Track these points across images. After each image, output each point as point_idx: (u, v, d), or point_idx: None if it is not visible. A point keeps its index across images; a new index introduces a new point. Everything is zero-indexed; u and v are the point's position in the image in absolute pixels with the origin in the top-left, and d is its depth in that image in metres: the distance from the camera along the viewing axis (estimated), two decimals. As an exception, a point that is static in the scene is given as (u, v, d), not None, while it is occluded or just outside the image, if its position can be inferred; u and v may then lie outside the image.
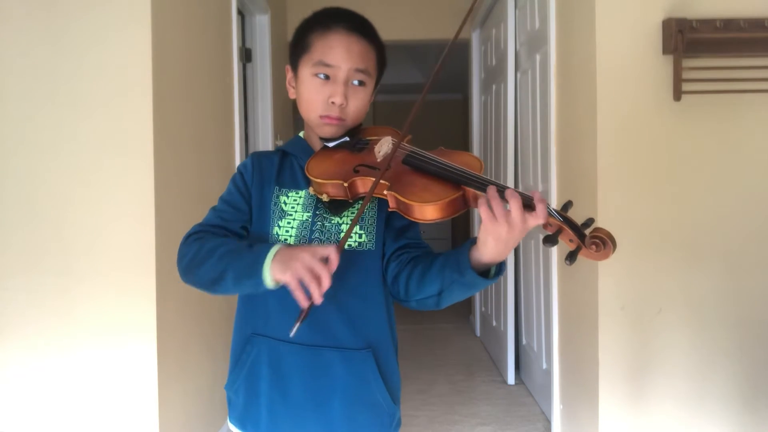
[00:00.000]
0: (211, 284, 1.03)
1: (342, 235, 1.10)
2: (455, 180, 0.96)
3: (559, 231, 0.90)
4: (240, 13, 3.16)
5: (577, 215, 0.93)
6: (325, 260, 0.92)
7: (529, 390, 3.23)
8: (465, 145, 4.76)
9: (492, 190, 0.90)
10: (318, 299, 0.91)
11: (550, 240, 0.89)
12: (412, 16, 4.32)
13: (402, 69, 6.79)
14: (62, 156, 1.85)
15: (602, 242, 0.88)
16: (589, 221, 0.91)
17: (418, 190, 0.97)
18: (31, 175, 1.86)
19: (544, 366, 2.90)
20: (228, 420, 1.18)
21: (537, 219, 0.88)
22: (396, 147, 1.02)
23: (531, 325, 3.19)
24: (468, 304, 4.83)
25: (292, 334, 0.92)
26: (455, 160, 1.00)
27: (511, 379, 3.37)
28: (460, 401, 3.12)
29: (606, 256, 0.89)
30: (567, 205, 0.93)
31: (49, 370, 1.87)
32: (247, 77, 3.39)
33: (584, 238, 0.89)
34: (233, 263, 1.00)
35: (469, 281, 0.97)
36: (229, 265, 1.00)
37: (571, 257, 0.89)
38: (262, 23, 3.47)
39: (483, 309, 4.26)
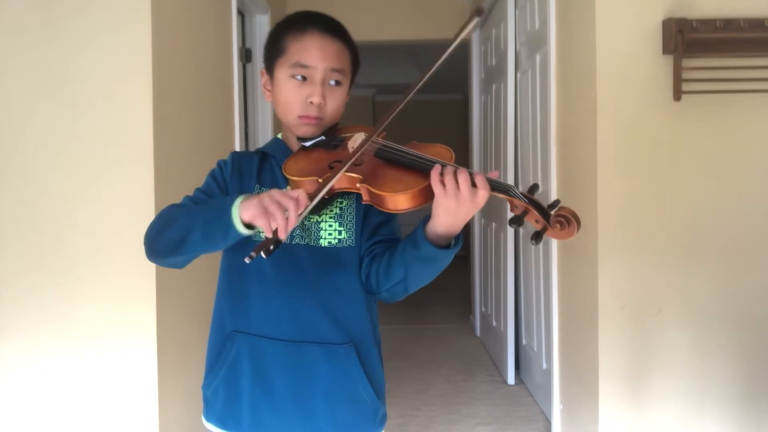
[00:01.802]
0: (178, 245, 1.01)
1: (321, 232, 1.12)
2: (426, 169, 0.99)
3: (525, 212, 0.94)
4: (240, 13, 3.16)
5: (548, 205, 0.95)
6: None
7: (529, 390, 3.23)
8: (465, 145, 4.75)
9: (449, 168, 0.94)
10: (283, 229, 0.88)
11: (516, 221, 0.94)
12: (412, 16, 4.31)
13: (402, 69, 6.79)
14: (62, 156, 1.85)
15: (566, 220, 0.93)
16: (555, 203, 0.95)
17: (389, 181, 0.99)
18: (31, 176, 1.86)
19: (544, 366, 2.90)
20: (203, 419, 1.17)
21: (482, 192, 0.92)
22: (367, 139, 1.03)
23: (531, 325, 3.19)
24: (468, 304, 4.83)
25: (247, 259, 0.90)
26: (426, 152, 1.03)
27: (511, 379, 3.37)
28: (460, 401, 3.11)
29: (571, 234, 0.93)
30: (533, 188, 0.96)
31: (50, 370, 1.87)
32: (247, 77, 3.39)
33: (549, 217, 0.93)
34: (200, 215, 0.99)
35: (425, 254, 1.00)
36: (197, 218, 0.99)
37: (537, 237, 0.94)
38: (262, 23, 3.47)
39: (483, 309, 4.26)
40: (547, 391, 2.79)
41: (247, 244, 1.06)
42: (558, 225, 0.93)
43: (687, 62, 2.05)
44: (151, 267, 1.85)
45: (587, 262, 2.24)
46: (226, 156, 1.23)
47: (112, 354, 1.87)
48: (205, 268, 2.31)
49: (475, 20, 0.98)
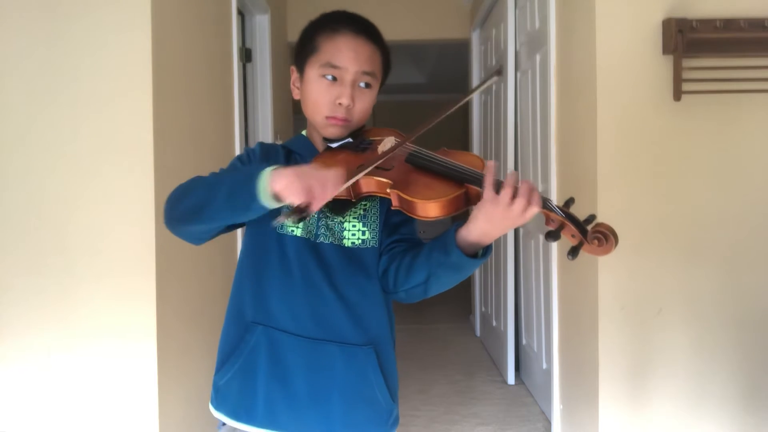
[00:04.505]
0: (198, 211, 0.97)
1: (345, 233, 1.11)
2: (458, 178, 0.97)
3: (561, 226, 0.92)
4: (240, 13, 3.16)
5: (577, 215, 0.93)
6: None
7: (529, 390, 3.23)
8: (465, 145, 4.76)
9: (513, 174, 0.92)
10: (316, 205, 0.87)
11: (553, 235, 0.91)
12: (412, 16, 4.31)
13: (402, 69, 6.79)
14: (63, 156, 1.85)
15: (604, 237, 0.90)
16: (591, 217, 0.93)
17: (420, 188, 0.98)
18: (32, 176, 1.86)
19: (544, 366, 2.90)
20: (211, 408, 1.16)
21: (531, 210, 0.90)
22: (399, 144, 1.02)
23: (531, 325, 3.19)
24: (468, 304, 4.83)
25: (275, 222, 0.91)
26: (458, 160, 1.01)
27: (511, 379, 3.37)
28: (460, 401, 3.11)
29: (608, 251, 0.90)
30: (569, 202, 0.94)
31: (50, 370, 1.87)
32: (247, 77, 3.39)
33: (586, 233, 0.90)
34: (227, 180, 0.97)
35: (454, 261, 0.98)
36: (222, 183, 0.96)
37: (574, 252, 0.91)
38: (262, 23, 3.47)
39: (483, 309, 4.26)
40: (547, 391, 2.79)
41: (267, 232, 1.07)
42: (596, 241, 0.90)
43: (687, 62, 2.05)
44: (151, 266, 1.85)
45: (587, 261, 2.24)
46: (226, 156, 1.22)
47: (112, 354, 1.87)
48: (206, 268, 2.31)
49: (494, 78, 0.99)
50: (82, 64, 1.84)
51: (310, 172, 0.88)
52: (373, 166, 0.98)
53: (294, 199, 0.86)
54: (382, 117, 7.71)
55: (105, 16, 1.84)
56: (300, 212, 0.87)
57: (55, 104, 1.85)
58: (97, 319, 1.86)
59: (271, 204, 0.89)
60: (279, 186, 0.87)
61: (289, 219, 0.87)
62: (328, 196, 0.88)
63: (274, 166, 0.90)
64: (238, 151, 2.70)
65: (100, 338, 1.87)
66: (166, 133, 1.95)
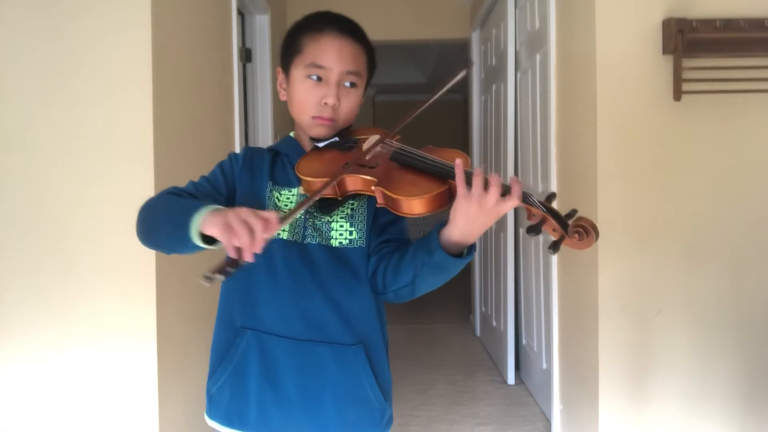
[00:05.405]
0: (148, 234, 1.02)
1: (332, 232, 1.11)
2: (442, 174, 0.98)
3: (542, 221, 0.92)
4: (240, 13, 3.16)
5: (564, 210, 0.94)
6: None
7: (529, 390, 3.23)
8: (465, 145, 4.76)
9: (477, 170, 0.91)
10: (247, 251, 0.82)
11: (534, 230, 0.92)
12: (412, 16, 4.32)
13: (402, 69, 6.79)
14: (63, 157, 1.85)
15: (585, 231, 0.91)
16: (573, 212, 0.93)
17: (404, 185, 0.98)
18: (32, 176, 1.86)
19: (544, 366, 2.90)
20: (206, 417, 1.16)
21: (509, 202, 0.89)
22: (380, 141, 1.03)
23: (531, 325, 3.19)
24: (468, 304, 4.83)
25: (203, 281, 0.83)
26: (442, 157, 1.02)
27: (511, 379, 3.37)
28: (460, 401, 3.11)
29: (589, 245, 0.91)
30: (551, 197, 0.95)
31: (50, 370, 1.87)
32: (247, 77, 3.39)
33: (567, 227, 0.91)
34: (169, 217, 0.97)
35: (437, 261, 0.98)
36: (166, 218, 0.97)
37: (555, 246, 0.92)
38: (262, 23, 3.47)
39: (483, 309, 4.26)
40: (547, 391, 2.79)
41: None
42: (576, 235, 0.91)
43: (687, 62, 2.05)
44: (151, 267, 1.85)
45: (587, 261, 2.24)
46: (225, 156, 1.22)
47: (112, 354, 1.87)
48: (207, 268, 2.31)
49: (464, 72, 1.02)
50: (82, 63, 1.84)
51: (243, 213, 0.83)
52: (320, 194, 0.97)
53: (226, 241, 0.82)
54: (381, 116, 7.71)
55: (105, 16, 1.84)
56: (228, 265, 0.83)
57: (55, 104, 1.85)
58: (97, 319, 1.86)
59: (205, 246, 0.90)
60: (212, 231, 0.85)
61: (216, 277, 0.82)
62: (260, 244, 0.82)
63: (213, 207, 0.89)
64: (237, 151, 2.70)
65: (100, 338, 1.86)
66: (166, 133, 1.95)
